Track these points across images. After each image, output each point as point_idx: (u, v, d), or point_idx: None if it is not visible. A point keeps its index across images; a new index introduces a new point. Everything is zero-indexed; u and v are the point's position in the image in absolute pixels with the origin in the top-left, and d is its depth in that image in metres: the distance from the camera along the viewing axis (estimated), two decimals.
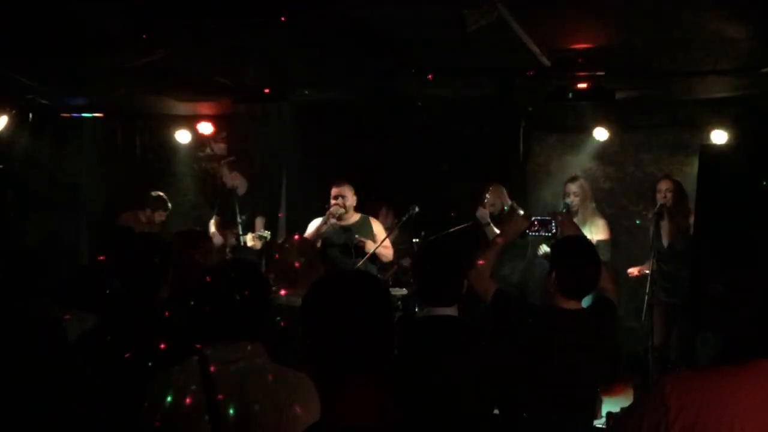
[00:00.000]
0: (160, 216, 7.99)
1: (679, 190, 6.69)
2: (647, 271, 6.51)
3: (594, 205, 6.99)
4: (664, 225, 6.61)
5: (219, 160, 8.92)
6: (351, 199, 6.81)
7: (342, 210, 6.73)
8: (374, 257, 6.65)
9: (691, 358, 6.54)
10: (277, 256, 7.39)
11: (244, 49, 5.51)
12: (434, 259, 3.37)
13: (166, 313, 3.23)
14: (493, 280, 3.86)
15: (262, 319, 2.54)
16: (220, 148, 9.35)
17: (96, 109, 7.97)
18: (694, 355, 6.57)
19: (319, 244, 6.85)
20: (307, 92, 6.98)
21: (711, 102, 7.32)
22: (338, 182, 6.85)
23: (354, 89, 7.19)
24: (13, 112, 7.85)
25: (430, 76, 6.30)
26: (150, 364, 2.80)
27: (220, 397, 2.35)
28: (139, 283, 3.27)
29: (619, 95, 6.08)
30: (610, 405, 6.02)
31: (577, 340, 3.56)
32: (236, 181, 8.25)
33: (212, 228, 7.96)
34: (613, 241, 7.00)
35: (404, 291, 6.71)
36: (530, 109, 8.09)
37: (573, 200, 6.77)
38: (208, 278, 2.55)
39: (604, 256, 6.40)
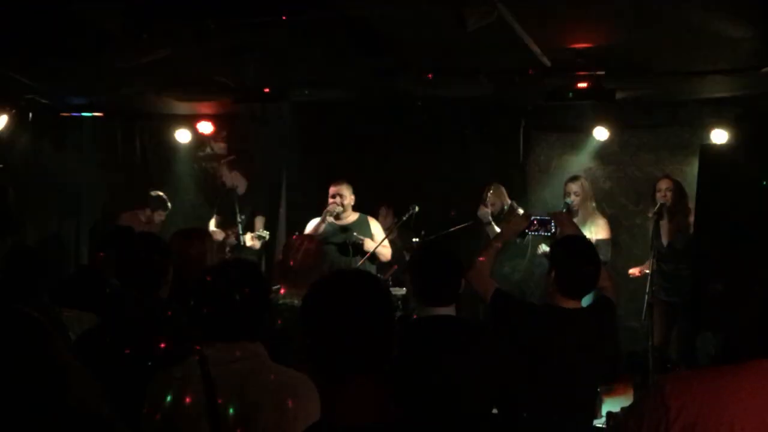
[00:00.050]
0: (159, 216, 7.99)
1: (678, 190, 6.69)
2: (647, 271, 6.52)
3: (594, 204, 7.00)
4: (664, 224, 6.61)
5: (219, 160, 8.92)
6: (349, 198, 6.82)
7: (340, 208, 6.75)
8: (373, 257, 6.66)
9: (691, 357, 6.54)
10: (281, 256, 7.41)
11: (244, 48, 5.51)
12: (432, 259, 3.37)
13: (166, 313, 3.23)
14: (493, 280, 3.86)
15: (262, 318, 2.53)
16: (220, 147, 9.34)
17: (96, 108, 7.97)
18: (694, 354, 6.57)
19: None
20: (307, 92, 6.98)
21: (711, 102, 7.32)
22: (336, 181, 6.87)
23: (354, 89, 7.19)
24: (13, 111, 7.84)
25: (430, 76, 6.31)
26: (150, 364, 2.81)
27: (219, 397, 2.35)
28: (139, 283, 3.27)
29: (619, 95, 6.08)
30: (610, 405, 6.02)
31: (577, 340, 3.56)
32: (236, 181, 8.25)
33: (212, 227, 7.96)
34: (613, 241, 7.00)
35: (404, 291, 6.72)
36: (530, 108, 8.08)
37: (573, 199, 6.77)
38: (208, 278, 2.55)
39: (605, 255, 6.41)
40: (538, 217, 4.36)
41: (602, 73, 5.81)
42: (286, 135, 8.38)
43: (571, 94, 5.99)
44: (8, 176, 7.88)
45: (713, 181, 6.33)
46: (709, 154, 6.70)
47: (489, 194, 7.27)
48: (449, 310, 3.23)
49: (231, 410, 2.33)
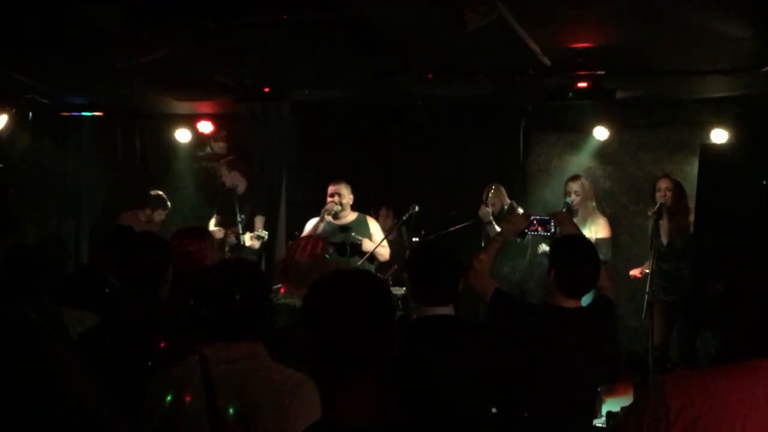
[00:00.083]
0: (159, 215, 7.99)
1: (678, 189, 6.70)
2: (647, 271, 6.52)
3: (595, 203, 7.00)
4: (664, 224, 6.62)
5: (219, 159, 8.92)
6: (347, 197, 6.83)
7: (338, 207, 6.75)
8: (372, 257, 6.66)
9: (691, 357, 6.54)
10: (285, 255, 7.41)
11: (244, 48, 5.51)
12: (430, 259, 3.36)
13: (167, 313, 3.23)
14: (493, 279, 3.86)
15: (262, 318, 2.53)
16: (220, 147, 9.35)
17: (96, 108, 7.96)
18: (695, 354, 6.57)
19: None
20: (307, 92, 6.98)
21: (711, 101, 7.32)
22: (335, 180, 6.88)
23: (354, 89, 7.19)
24: (13, 111, 7.84)
25: (430, 76, 6.31)
26: (150, 364, 2.81)
27: (219, 397, 2.35)
28: (139, 282, 3.27)
29: (619, 94, 6.08)
30: (610, 405, 6.02)
31: (577, 340, 3.56)
32: (235, 181, 8.26)
33: (212, 227, 7.97)
34: (613, 241, 7.00)
35: (404, 291, 6.72)
36: (530, 108, 8.08)
37: (574, 199, 6.77)
38: (208, 278, 2.55)
39: (605, 254, 6.41)
40: (538, 217, 4.36)
41: (602, 72, 5.81)
42: (286, 135, 8.38)
43: (571, 93, 5.99)
44: (8, 176, 7.87)
45: (713, 181, 6.33)
46: (709, 153, 6.70)
47: (490, 194, 7.27)
48: (448, 310, 3.21)
49: (231, 410, 2.33)
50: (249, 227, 7.96)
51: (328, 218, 6.76)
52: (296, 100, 7.26)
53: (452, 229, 7.07)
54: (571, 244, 3.76)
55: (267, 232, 7.88)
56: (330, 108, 8.03)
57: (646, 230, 6.78)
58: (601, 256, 3.88)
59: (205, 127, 8.71)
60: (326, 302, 1.78)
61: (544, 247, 6.65)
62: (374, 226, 6.92)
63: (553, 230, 4.31)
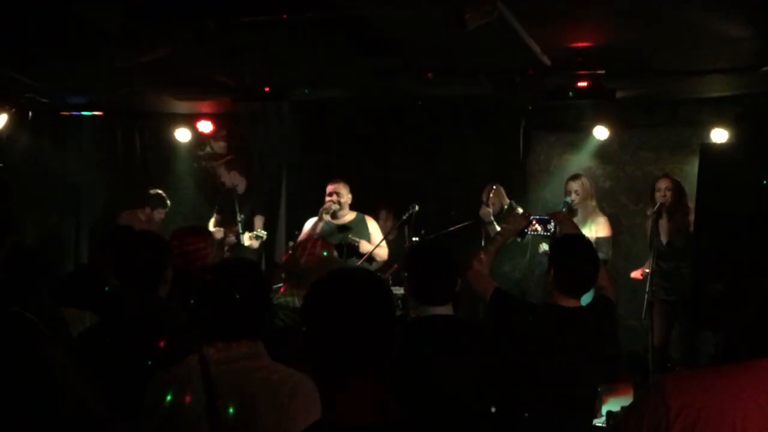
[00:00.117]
0: (159, 213, 7.99)
1: (678, 189, 6.70)
2: (647, 270, 6.52)
3: (595, 202, 6.99)
4: (663, 224, 6.62)
5: (219, 159, 8.92)
6: (346, 197, 6.82)
7: (336, 206, 6.75)
8: (370, 257, 6.66)
9: (691, 357, 6.55)
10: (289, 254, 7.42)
11: (244, 48, 5.51)
12: (426, 258, 3.35)
13: (166, 312, 3.23)
14: (493, 279, 3.86)
15: (263, 317, 2.53)
16: (219, 146, 9.35)
17: (96, 107, 7.96)
18: (695, 354, 6.58)
19: None
20: (307, 91, 6.98)
21: (711, 101, 7.32)
22: (334, 179, 6.88)
23: (354, 88, 7.19)
24: (13, 110, 7.84)
25: (430, 76, 6.30)
26: (150, 363, 2.80)
27: (219, 396, 2.35)
28: (138, 282, 3.27)
29: (619, 94, 6.08)
30: (611, 405, 6.03)
31: (577, 339, 3.56)
32: (235, 180, 8.25)
33: (211, 226, 7.97)
34: (613, 240, 7.00)
35: (404, 290, 6.72)
36: (530, 108, 8.09)
37: (574, 198, 6.77)
38: (208, 277, 2.55)
39: (606, 253, 6.42)
40: (537, 217, 4.37)
41: (602, 72, 5.80)
42: (286, 135, 8.38)
43: (571, 93, 5.99)
44: (8, 175, 7.87)
45: (713, 181, 6.33)
46: (710, 153, 6.70)
47: (490, 195, 7.27)
48: (447, 310, 3.21)
49: (231, 410, 2.33)
50: (248, 227, 7.96)
51: (327, 218, 6.76)
52: (296, 100, 7.26)
53: (452, 228, 7.07)
54: (570, 243, 3.77)
55: (265, 232, 7.88)
56: (330, 108, 8.03)
57: (646, 230, 6.79)
58: (602, 255, 3.89)
59: (205, 126, 8.72)
60: (326, 302, 1.78)
61: (544, 247, 6.66)
62: (373, 225, 6.92)
63: (552, 230, 4.31)
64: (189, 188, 9.34)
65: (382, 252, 6.81)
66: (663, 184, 6.68)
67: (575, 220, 6.00)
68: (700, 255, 6.31)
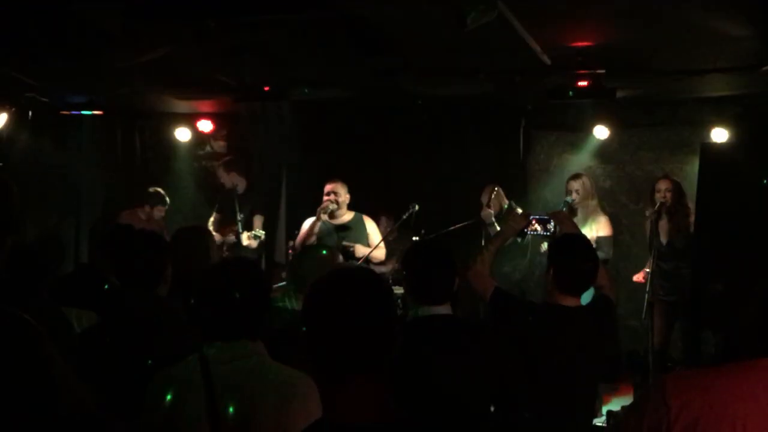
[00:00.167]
0: (159, 211, 7.99)
1: (678, 190, 6.70)
2: (647, 270, 6.52)
3: (596, 202, 6.98)
4: (663, 224, 6.62)
5: (219, 158, 8.92)
6: (344, 197, 6.82)
7: (334, 206, 6.74)
8: (367, 258, 6.66)
9: (692, 357, 6.55)
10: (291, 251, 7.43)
11: (244, 48, 5.51)
12: (424, 257, 3.35)
13: (166, 312, 3.23)
14: (492, 279, 3.86)
15: (263, 317, 2.53)
16: (219, 146, 9.35)
17: (96, 107, 7.95)
18: (695, 354, 6.57)
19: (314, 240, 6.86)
20: (307, 91, 6.98)
21: (711, 100, 7.32)
22: (332, 179, 6.88)
23: (354, 88, 7.19)
24: (13, 110, 7.84)
25: (430, 75, 6.31)
26: (150, 363, 2.80)
27: (220, 396, 2.35)
28: (138, 281, 3.27)
29: (619, 93, 6.08)
30: (610, 405, 6.03)
31: (577, 339, 3.56)
32: (234, 181, 8.25)
33: (211, 226, 7.97)
34: (613, 240, 7.00)
35: (403, 290, 6.71)
36: (530, 107, 8.08)
37: (574, 197, 6.77)
38: (208, 277, 2.54)
39: (606, 252, 6.42)
40: (537, 216, 4.36)
41: (602, 71, 5.80)
42: (286, 135, 8.38)
43: (571, 92, 5.98)
44: (8, 174, 7.86)
45: (714, 180, 6.33)
46: (710, 152, 6.71)
47: (491, 197, 7.27)
48: (445, 309, 3.20)
49: (231, 410, 2.33)
50: (248, 227, 7.96)
51: (324, 217, 6.75)
52: (296, 100, 7.26)
53: (452, 228, 7.07)
54: (570, 242, 3.77)
55: (263, 232, 7.88)
56: (330, 108, 8.03)
57: (646, 230, 6.79)
58: (602, 255, 3.89)
59: (205, 126, 8.72)
60: (326, 302, 1.78)
61: (545, 247, 6.65)
62: (371, 226, 6.91)
63: (552, 229, 4.31)
64: (189, 188, 9.34)
65: (379, 254, 6.81)
66: (663, 185, 6.68)
67: (576, 219, 6.01)
68: (700, 255, 6.31)
